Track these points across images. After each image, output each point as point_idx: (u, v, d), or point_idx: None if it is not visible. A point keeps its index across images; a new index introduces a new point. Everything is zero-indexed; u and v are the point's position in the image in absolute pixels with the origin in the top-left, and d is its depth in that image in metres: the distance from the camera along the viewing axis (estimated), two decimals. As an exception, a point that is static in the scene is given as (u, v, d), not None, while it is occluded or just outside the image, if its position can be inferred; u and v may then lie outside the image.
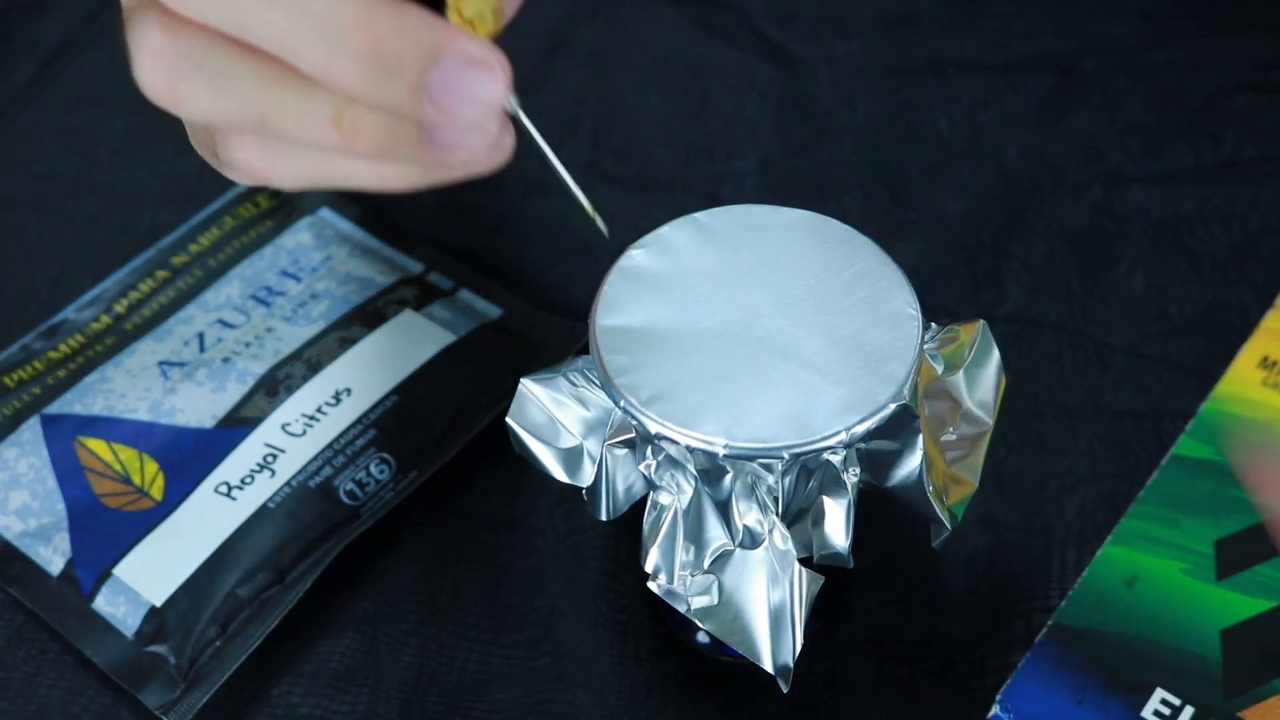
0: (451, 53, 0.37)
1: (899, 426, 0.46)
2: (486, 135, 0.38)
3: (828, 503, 0.46)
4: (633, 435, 0.46)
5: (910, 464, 0.46)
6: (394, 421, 0.57)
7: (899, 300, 0.47)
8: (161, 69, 0.38)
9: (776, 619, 0.46)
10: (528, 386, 0.48)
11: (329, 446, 0.56)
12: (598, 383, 0.47)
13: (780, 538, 0.45)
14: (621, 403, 0.45)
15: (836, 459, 0.45)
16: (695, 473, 0.46)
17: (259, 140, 0.39)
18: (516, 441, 0.48)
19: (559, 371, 0.48)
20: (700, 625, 0.47)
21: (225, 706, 0.53)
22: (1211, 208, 0.64)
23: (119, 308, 0.61)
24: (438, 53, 0.37)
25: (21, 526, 0.56)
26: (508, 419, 0.48)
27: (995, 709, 0.50)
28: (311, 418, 0.57)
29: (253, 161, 0.39)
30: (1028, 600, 0.52)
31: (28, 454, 0.57)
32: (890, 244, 0.63)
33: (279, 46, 0.36)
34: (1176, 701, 0.49)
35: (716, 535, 0.46)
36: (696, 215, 0.49)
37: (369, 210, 0.65)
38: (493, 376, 0.59)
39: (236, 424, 0.57)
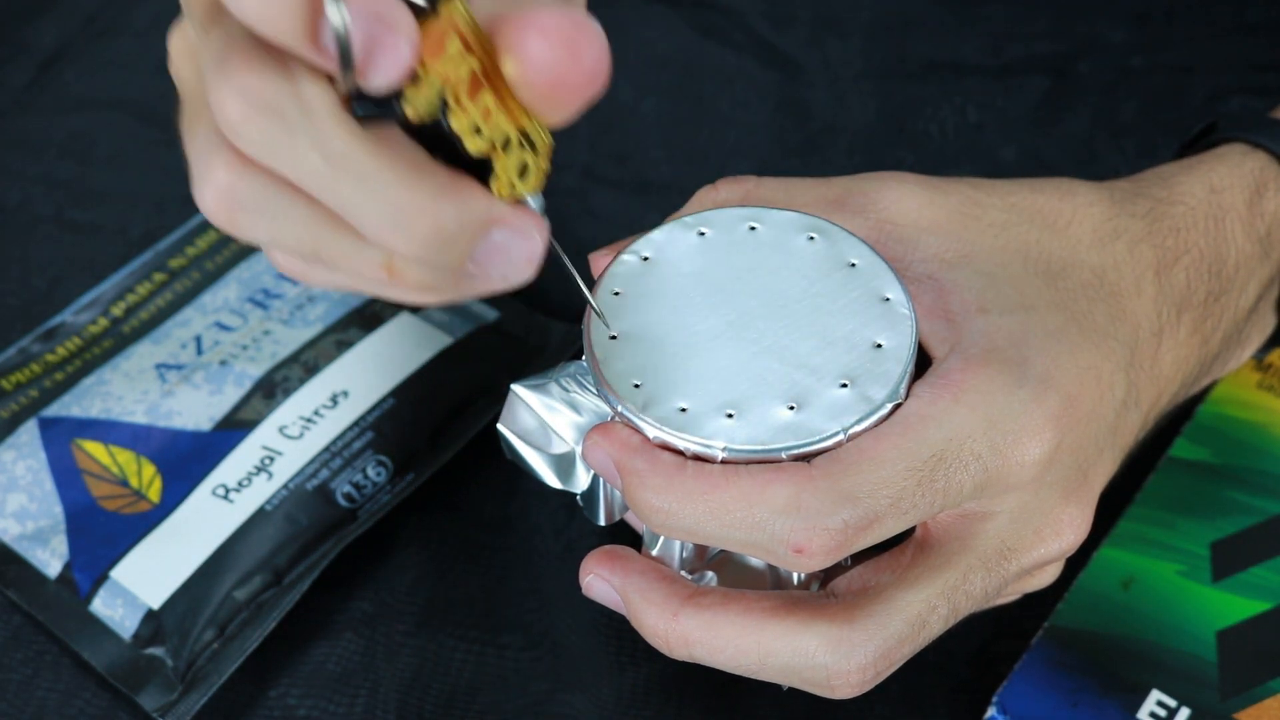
0: (499, 227, 0.40)
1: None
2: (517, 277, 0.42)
3: None
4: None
5: None
6: (391, 424, 0.57)
7: (893, 299, 0.47)
8: (224, 202, 0.40)
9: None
10: (518, 392, 0.48)
11: (326, 449, 0.56)
12: (591, 388, 0.47)
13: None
14: (619, 407, 0.45)
15: None
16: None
17: (304, 259, 0.42)
18: (508, 448, 0.48)
19: (550, 377, 0.48)
20: None
21: (223, 708, 0.53)
22: (1207, 210, 0.64)
23: (116, 310, 0.61)
24: (487, 228, 0.40)
25: (19, 529, 0.56)
26: (499, 425, 0.48)
27: (992, 710, 0.50)
28: (309, 420, 0.57)
29: (294, 270, 0.42)
30: (1025, 601, 0.52)
31: (25, 457, 0.57)
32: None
33: (342, 211, 0.39)
34: (1172, 703, 0.49)
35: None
36: (689, 218, 0.49)
37: (366, 213, 0.65)
38: (490, 379, 0.59)
39: (234, 426, 0.57)
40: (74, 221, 0.66)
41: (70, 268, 0.65)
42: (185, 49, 0.43)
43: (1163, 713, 0.49)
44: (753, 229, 0.48)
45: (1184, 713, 0.49)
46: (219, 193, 0.40)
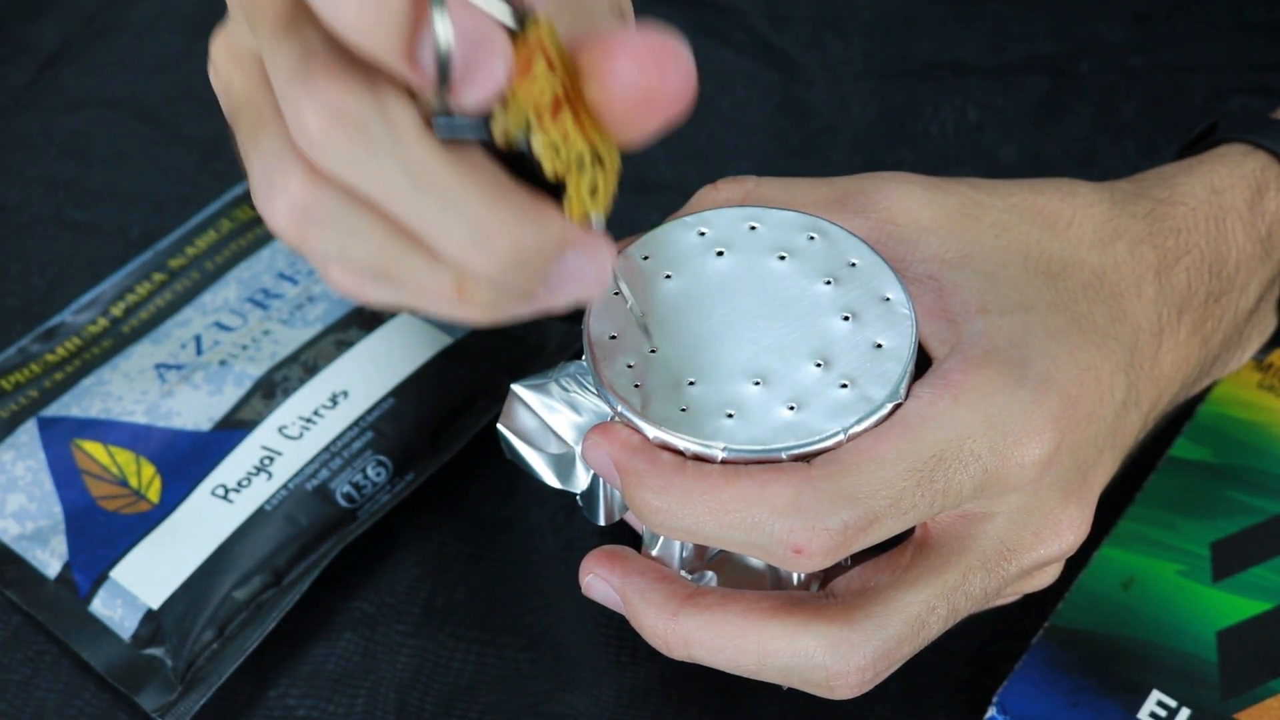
0: (574, 249, 0.39)
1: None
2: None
3: None
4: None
5: None
6: (391, 424, 0.57)
7: (893, 299, 0.47)
8: (295, 216, 0.39)
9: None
10: (518, 392, 0.48)
11: (326, 449, 0.56)
12: (591, 388, 0.47)
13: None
14: (619, 408, 0.45)
15: None
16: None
17: (356, 272, 0.40)
18: (508, 448, 0.48)
19: (550, 377, 0.48)
20: None
21: (222, 709, 0.53)
22: (1207, 210, 0.64)
23: (116, 310, 0.61)
24: (563, 250, 0.39)
25: (19, 529, 0.56)
26: (499, 425, 0.48)
27: (992, 710, 0.50)
28: (308, 420, 0.57)
29: (350, 288, 0.41)
30: (1025, 601, 0.52)
31: (25, 457, 0.57)
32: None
33: (421, 229, 0.38)
34: (1173, 703, 0.49)
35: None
36: (690, 217, 0.49)
37: (366, 213, 0.65)
38: (490, 379, 0.59)
39: (233, 427, 0.57)
40: (74, 221, 0.66)
41: (70, 268, 0.65)
42: (233, 55, 0.42)
43: (1163, 713, 0.49)
44: (753, 229, 0.48)
45: (1184, 713, 0.49)
46: (292, 207, 0.39)
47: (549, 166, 0.39)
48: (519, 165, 0.39)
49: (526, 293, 0.40)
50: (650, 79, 0.38)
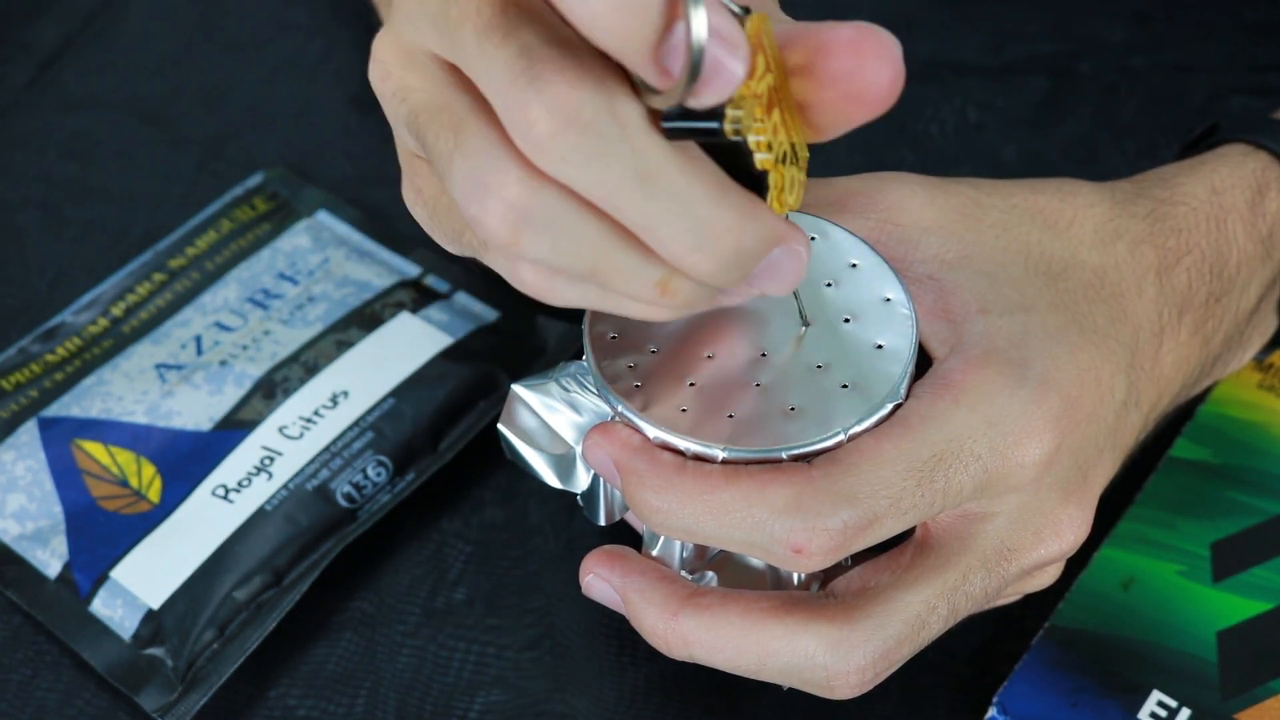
0: (782, 246, 0.40)
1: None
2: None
3: None
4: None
5: None
6: (391, 424, 0.57)
7: (893, 299, 0.47)
8: (511, 218, 0.38)
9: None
10: (518, 392, 0.48)
11: (326, 449, 0.56)
12: (592, 388, 0.47)
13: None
14: (619, 408, 0.45)
15: None
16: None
17: (554, 271, 0.40)
18: (508, 448, 0.48)
19: (550, 377, 0.48)
20: None
21: (222, 709, 0.53)
22: (1207, 210, 0.64)
23: (116, 310, 0.61)
24: (772, 247, 0.39)
25: (19, 529, 0.56)
26: (499, 425, 0.48)
27: (992, 710, 0.50)
28: (309, 420, 0.57)
29: (541, 287, 0.41)
30: (1025, 601, 0.52)
31: (25, 457, 0.57)
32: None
33: (645, 229, 0.38)
34: (1173, 703, 0.49)
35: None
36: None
37: (366, 213, 0.65)
38: (490, 379, 0.59)
39: (234, 427, 0.57)
40: (74, 221, 0.66)
41: (70, 268, 0.65)
42: (408, 58, 0.41)
43: (1163, 713, 0.49)
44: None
45: (1184, 713, 0.49)
46: (508, 208, 0.38)
47: (760, 162, 0.39)
48: (724, 160, 0.39)
49: (728, 288, 0.40)
50: (866, 74, 0.38)
